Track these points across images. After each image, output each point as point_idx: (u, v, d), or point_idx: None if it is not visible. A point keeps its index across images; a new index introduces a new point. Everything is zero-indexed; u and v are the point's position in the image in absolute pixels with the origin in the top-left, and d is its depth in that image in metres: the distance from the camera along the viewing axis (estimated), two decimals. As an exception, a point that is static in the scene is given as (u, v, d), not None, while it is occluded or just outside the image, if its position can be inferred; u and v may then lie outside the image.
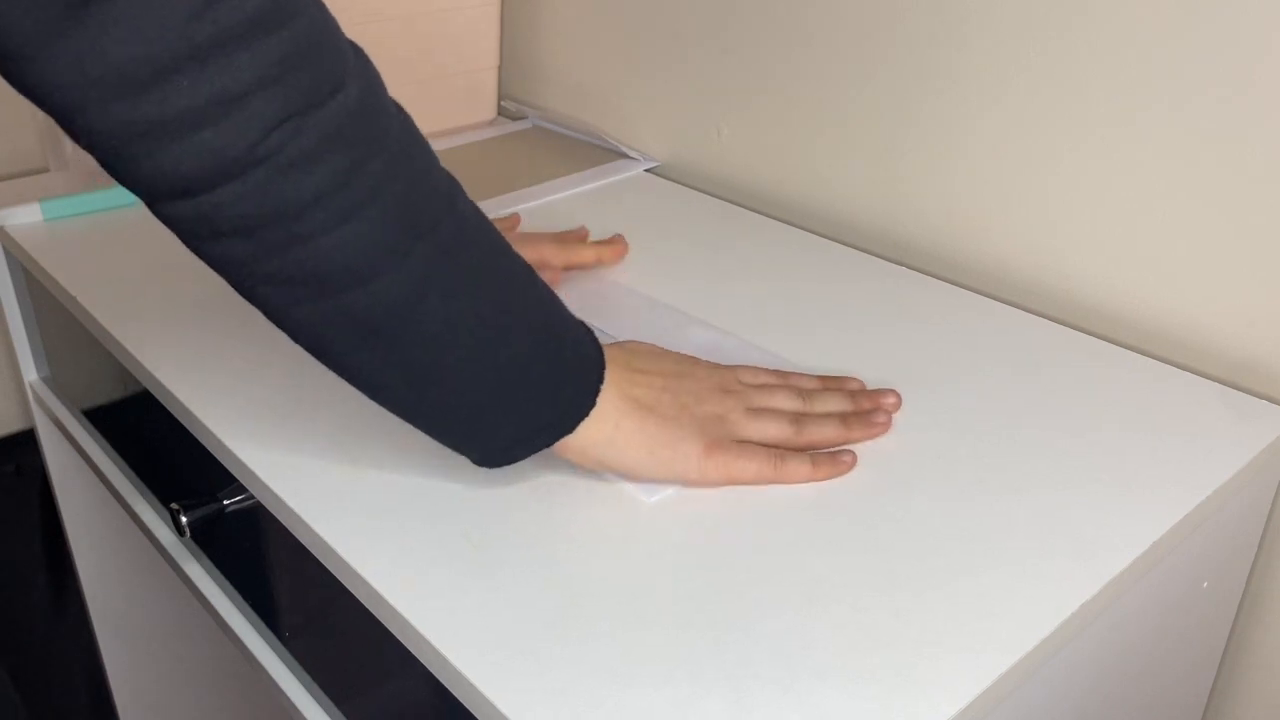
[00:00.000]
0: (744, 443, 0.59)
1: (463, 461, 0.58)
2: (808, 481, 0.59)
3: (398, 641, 0.51)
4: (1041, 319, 0.75)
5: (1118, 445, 0.62)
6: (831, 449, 0.61)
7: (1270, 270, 0.67)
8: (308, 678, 0.67)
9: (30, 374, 1.03)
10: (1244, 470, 0.60)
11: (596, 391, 0.55)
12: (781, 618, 0.49)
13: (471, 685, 0.47)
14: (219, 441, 0.62)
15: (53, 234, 0.88)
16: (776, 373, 0.65)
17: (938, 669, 0.47)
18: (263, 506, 0.61)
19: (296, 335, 0.51)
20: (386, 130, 0.48)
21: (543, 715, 0.45)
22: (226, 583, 0.75)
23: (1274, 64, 0.63)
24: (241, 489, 0.66)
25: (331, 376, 0.67)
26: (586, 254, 0.83)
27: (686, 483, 0.58)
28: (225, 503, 0.66)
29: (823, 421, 0.61)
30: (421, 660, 0.50)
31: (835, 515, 0.56)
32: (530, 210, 0.94)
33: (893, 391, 0.65)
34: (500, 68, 1.12)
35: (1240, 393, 0.67)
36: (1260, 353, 0.69)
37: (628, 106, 1.06)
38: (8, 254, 0.95)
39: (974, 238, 0.82)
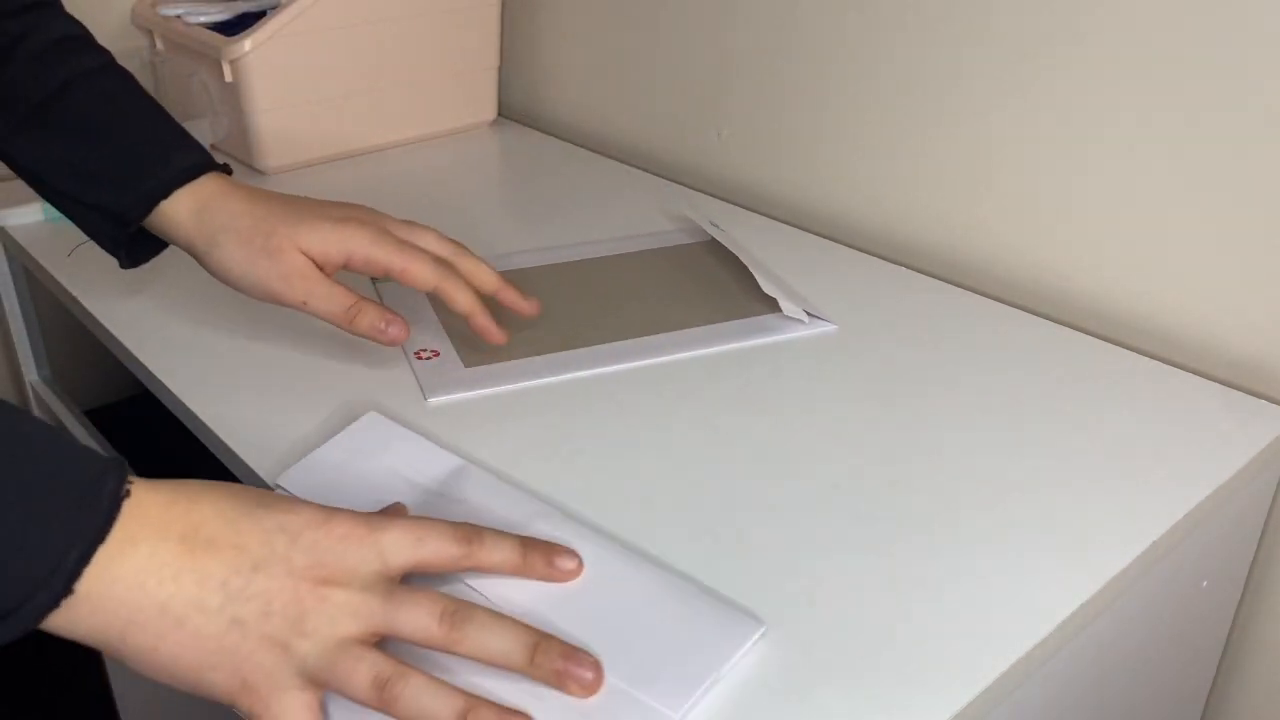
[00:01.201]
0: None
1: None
2: None
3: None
4: (1041, 319, 0.76)
5: (1118, 445, 0.62)
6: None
7: (1271, 271, 0.67)
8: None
9: (30, 374, 1.03)
10: (1244, 470, 0.60)
11: (91, 541, 0.39)
12: (781, 618, 0.50)
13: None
14: (220, 441, 0.62)
15: (53, 234, 0.88)
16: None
17: (938, 669, 0.47)
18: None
19: None
20: None
21: None
22: (227, 583, 0.75)
23: (1273, 69, 0.64)
24: (242, 489, 0.65)
25: (336, 377, 0.68)
26: (459, 297, 0.63)
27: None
28: (226, 502, 0.66)
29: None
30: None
31: (835, 515, 0.56)
32: (531, 209, 0.94)
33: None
34: (500, 68, 1.12)
35: (1240, 393, 0.67)
36: (1260, 353, 0.69)
37: (627, 106, 1.06)
38: (8, 254, 0.95)
39: (974, 238, 0.82)
